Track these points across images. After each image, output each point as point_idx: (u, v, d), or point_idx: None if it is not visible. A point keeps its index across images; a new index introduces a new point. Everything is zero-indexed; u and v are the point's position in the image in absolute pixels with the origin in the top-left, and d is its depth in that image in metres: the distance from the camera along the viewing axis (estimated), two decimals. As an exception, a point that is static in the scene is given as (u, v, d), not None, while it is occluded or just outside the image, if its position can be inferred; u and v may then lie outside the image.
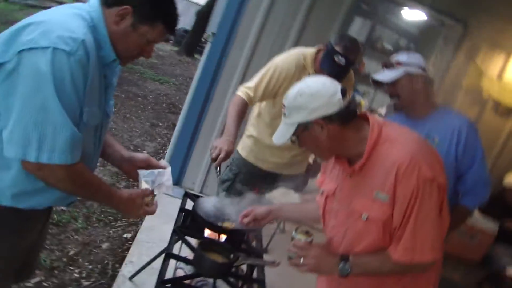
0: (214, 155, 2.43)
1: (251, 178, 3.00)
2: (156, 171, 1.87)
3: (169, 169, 1.91)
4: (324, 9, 4.34)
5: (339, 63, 2.57)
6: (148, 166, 1.90)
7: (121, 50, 1.58)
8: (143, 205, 1.75)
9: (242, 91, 2.75)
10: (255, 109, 3.02)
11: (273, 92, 2.74)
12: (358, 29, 13.35)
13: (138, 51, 1.62)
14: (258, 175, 3.03)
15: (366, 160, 1.64)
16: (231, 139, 2.52)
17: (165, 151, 5.32)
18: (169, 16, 1.60)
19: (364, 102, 9.64)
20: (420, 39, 6.00)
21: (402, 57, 2.42)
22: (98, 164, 1.86)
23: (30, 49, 1.36)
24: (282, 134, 1.71)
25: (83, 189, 1.61)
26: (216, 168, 2.48)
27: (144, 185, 1.80)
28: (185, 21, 17.72)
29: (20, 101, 1.38)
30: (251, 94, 2.72)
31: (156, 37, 1.59)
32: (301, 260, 1.69)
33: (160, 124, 6.81)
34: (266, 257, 2.22)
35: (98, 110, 1.60)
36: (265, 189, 2.99)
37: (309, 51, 2.80)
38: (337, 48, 2.57)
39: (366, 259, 1.68)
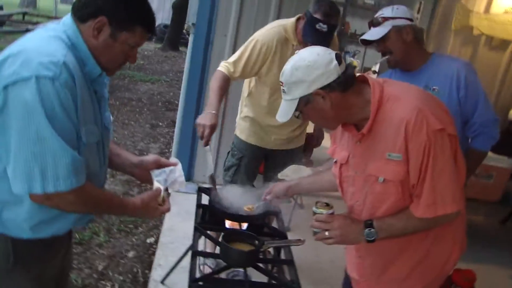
0: (199, 133, 2.44)
1: (255, 159, 3.01)
2: (167, 169, 1.89)
3: (179, 165, 1.92)
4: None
5: (321, 30, 2.53)
6: (159, 166, 1.90)
7: (106, 61, 1.56)
8: (157, 206, 1.75)
9: (223, 66, 2.73)
10: (245, 90, 2.99)
11: (255, 68, 2.71)
12: (336, -10, 13.15)
13: (123, 59, 1.59)
14: (262, 155, 3.05)
15: (372, 122, 1.63)
16: (213, 111, 2.50)
17: (171, 150, 5.32)
18: (145, 17, 1.56)
19: (356, 63, 9.60)
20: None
21: (386, 11, 2.38)
22: (107, 175, 1.86)
23: (14, 82, 1.35)
24: (285, 111, 1.69)
25: (96, 207, 1.62)
26: (206, 146, 2.47)
27: (156, 185, 1.80)
28: (163, 16, 17.60)
29: (15, 136, 1.37)
30: (231, 69, 2.69)
31: (138, 41, 1.56)
32: (326, 233, 1.68)
33: (160, 123, 6.79)
34: (289, 235, 2.22)
35: (96, 127, 1.59)
36: (270, 167, 3.03)
37: (289, 22, 2.75)
38: (317, 16, 2.54)
39: (389, 221, 1.68)
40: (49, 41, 1.45)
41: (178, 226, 3.74)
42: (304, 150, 3.25)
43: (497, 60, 4.94)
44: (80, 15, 1.50)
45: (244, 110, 3.00)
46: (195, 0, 4.25)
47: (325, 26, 2.53)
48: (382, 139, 1.64)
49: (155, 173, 1.84)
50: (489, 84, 4.97)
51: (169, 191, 1.83)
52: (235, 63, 2.70)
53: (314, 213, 1.78)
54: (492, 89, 5.00)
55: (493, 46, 4.86)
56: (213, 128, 2.45)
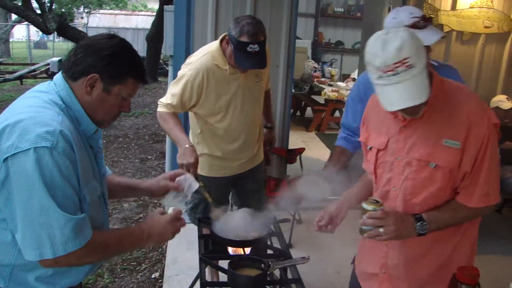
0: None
1: (222, 189, 2.96)
2: (182, 177, 2.05)
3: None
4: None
5: (254, 51, 2.46)
6: (167, 179, 2.03)
7: (101, 115, 1.59)
8: (172, 227, 1.75)
9: (164, 107, 2.69)
10: (195, 127, 2.88)
11: (193, 101, 2.66)
12: (305, 2, 13.41)
13: (117, 110, 1.62)
14: (228, 183, 2.99)
15: (429, 108, 1.64)
16: (188, 145, 2.49)
17: (163, 182, 5.32)
18: (136, 67, 1.59)
19: (334, 71, 9.71)
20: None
21: (416, 11, 2.09)
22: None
23: (14, 155, 1.37)
24: (418, 89, 1.49)
25: (106, 251, 1.61)
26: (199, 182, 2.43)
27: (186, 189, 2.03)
28: (138, 48, 17.49)
29: (19, 207, 1.39)
30: (172, 109, 2.67)
31: (130, 91, 1.59)
32: (381, 230, 1.64)
33: (149, 157, 6.80)
34: (292, 251, 2.25)
35: (96, 182, 1.62)
36: (240, 191, 3.00)
37: (214, 47, 2.66)
38: (244, 39, 2.45)
39: (437, 214, 1.70)
40: (44, 109, 1.47)
41: (181, 258, 3.75)
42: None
43: (470, 53, 5.06)
44: (71, 74, 1.53)
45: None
46: (170, 33, 4.31)
47: (255, 46, 2.45)
48: (438, 125, 1.65)
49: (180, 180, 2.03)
50: (466, 77, 5.07)
51: (187, 194, 2.06)
52: (172, 105, 2.66)
53: (365, 210, 1.69)
54: (469, 81, 5.11)
55: (464, 41, 4.98)
56: (195, 163, 2.45)
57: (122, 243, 1.64)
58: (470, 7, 4.86)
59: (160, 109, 2.72)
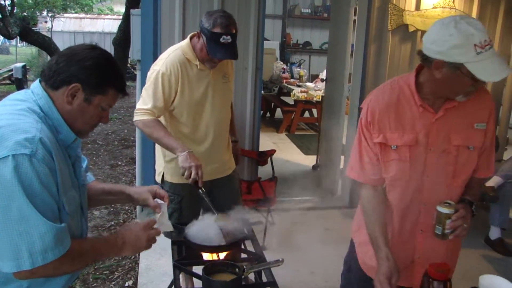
0: (192, 177, 2.40)
1: (196, 197, 2.72)
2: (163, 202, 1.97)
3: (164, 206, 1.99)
4: None
5: (227, 42, 2.52)
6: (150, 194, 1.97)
7: (81, 125, 1.59)
8: (136, 224, 1.74)
9: (144, 114, 2.61)
10: None
11: (172, 96, 2.64)
12: (272, 4, 13.46)
13: (97, 120, 1.63)
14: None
15: None
16: (187, 150, 2.47)
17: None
18: (117, 78, 1.60)
19: (303, 72, 9.78)
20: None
21: None
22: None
23: None
24: (504, 61, 1.69)
25: (84, 261, 1.58)
26: (200, 190, 2.43)
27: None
28: (105, 53, 17.49)
29: None
30: (156, 113, 2.62)
31: (110, 102, 1.60)
32: (465, 225, 1.77)
33: (119, 162, 6.72)
34: (266, 253, 2.25)
35: (74, 191, 1.60)
36: (216, 198, 2.83)
37: (184, 44, 2.70)
38: (217, 30, 2.51)
39: (474, 192, 1.94)
40: (21, 116, 1.45)
41: (154, 265, 3.71)
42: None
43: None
44: (52, 82, 1.53)
45: (167, 153, 2.78)
46: (137, 37, 4.27)
47: (228, 37, 2.51)
48: (469, 111, 1.85)
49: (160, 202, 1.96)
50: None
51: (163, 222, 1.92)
52: (154, 106, 2.60)
53: (447, 215, 1.76)
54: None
55: (429, 40, 5.08)
56: (201, 166, 2.43)
57: (98, 251, 1.62)
58: (433, 7, 4.95)
59: (141, 117, 2.62)
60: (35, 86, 1.55)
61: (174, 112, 2.72)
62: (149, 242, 1.75)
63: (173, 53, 2.66)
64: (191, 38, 2.69)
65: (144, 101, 2.62)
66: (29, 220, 1.35)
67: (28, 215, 1.35)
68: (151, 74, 2.65)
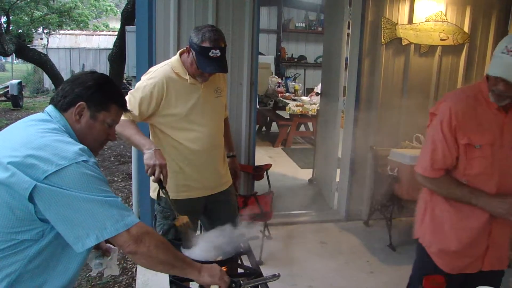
0: (155, 177, 2.39)
1: (192, 213, 2.69)
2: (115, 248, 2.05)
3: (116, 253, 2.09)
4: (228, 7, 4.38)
5: (216, 56, 2.55)
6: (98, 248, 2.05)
7: (91, 142, 1.71)
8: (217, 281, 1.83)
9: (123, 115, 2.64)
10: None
11: (151, 109, 2.65)
12: (267, 19, 13.57)
13: (104, 137, 1.77)
14: (197, 206, 2.87)
15: None
16: (154, 147, 2.46)
17: (131, 203, 5.26)
18: (118, 95, 1.78)
19: (298, 86, 9.83)
20: (327, 8, 6.16)
21: None
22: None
23: (56, 172, 1.47)
24: None
25: (173, 259, 1.72)
26: (163, 190, 2.43)
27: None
28: (100, 68, 17.52)
29: (68, 210, 1.49)
30: (130, 117, 2.62)
31: (114, 117, 1.76)
32: None
33: (115, 178, 6.71)
34: (263, 268, 2.24)
35: None
36: (213, 214, 2.88)
37: (173, 60, 2.73)
38: (206, 44, 2.53)
39: None
40: (57, 133, 1.60)
41: (151, 280, 3.69)
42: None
43: (429, 65, 5.20)
44: (61, 105, 1.69)
45: None
46: (133, 54, 4.29)
47: (217, 51, 2.54)
48: None
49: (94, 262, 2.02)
50: (425, 87, 5.24)
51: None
52: (130, 112, 2.56)
53: None
54: (429, 91, 5.25)
55: (423, 53, 5.12)
56: (165, 165, 2.42)
57: (185, 264, 1.78)
58: (426, 21, 5.01)
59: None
60: (51, 110, 1.70)
61: (163, 127, 2.72)
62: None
63: (162, 67, 2.70)
64: (181, 54, 2.72)
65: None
66: (104, 204, 1.53)
67: (102, 202, 1.53)
68: (139, 84, 2.70)
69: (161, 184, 2.44)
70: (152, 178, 2.43)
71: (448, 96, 2.26)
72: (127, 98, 2.65)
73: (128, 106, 2.57)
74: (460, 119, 2.15)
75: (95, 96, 1.69)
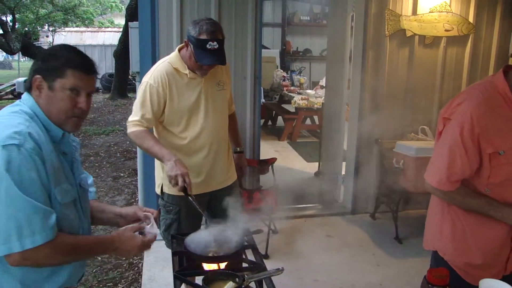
0: (180, 186, 2.40)
1: (195, 208, 2.57)
2: (147, 227, 1.97)
3: (152, 219, 2.02)
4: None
5: (213, 48, 2.55)
6: (137, 219, 2.01)
7: (56, 114, 1.63)
8: (134, 235, 1.81)
9: (135, 125, 2.63)
10: None
11: (161, 106, 2.66)
12: (271, 12, 13.53)
13: (69, 106, 1.63)
14: (200, 202, 2.76)
15: None
16: (174, 158, 2.47)
17: (137, 198, 5.28)
18: (72, 59, 1.64)
19: (303, 79, 9.80)
20: (331, 1, 6.11)
21: None
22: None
23: None
24: None
25: (75, 253, 1.65)
26: (190, 197, 2.43)
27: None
28: (106, 65, 17.58)
29: None
30: (145, 123, 2.63)
31: (74, 82, 1.61)
32: None
33: (122, 174, 6.74)
34: (269, 262, 2.25)
35: (70, 186, 1.67)
36: (216, 209, 2.86)
37: (172, 55, 2.74)
38: (203, 37, 2.54)
39: None
40: (11, 117, 1.57)
41: (157, 275, 3.71)
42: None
43: (433, 56, 5.16)
44: (26, 86, 1.67)
45: (163, 164, 2.68)
46: (136, 49, 4.29)
47: (214, 43, 2.54)
48: None
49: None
50: (431, 78, 5.20)
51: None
52: (143, 117, 2.62)
53: None
54: (434, 82, 5.22)
55: (427, 44, 5.08)
56: (188, 174, 2.43)
57: (91, 249, 1.72)
58: (430, 12, 4.97)
59: (131, 129, 2.65)
60: (24, 94, 1.68)
61: (166, 122, 2.73)
62: (137, 254, 1.87)
63: (161, 65, 2.71)
64: (180, 49, 2.73)
65: (135, 113, 2.67)
66: (16, 203, 1.45)
67: (15, 198, 1.44)
68: (140, 86, 2.70)
69: (186, 192, 2.44)
70: (177, 187, 2.44)
71: (465, 98, 1.99)
72: (134, 105, 2.70)
73: (140, 112, 2.65)
74: (483, 126, 1.91)
75: (47, 65, 1.62)
